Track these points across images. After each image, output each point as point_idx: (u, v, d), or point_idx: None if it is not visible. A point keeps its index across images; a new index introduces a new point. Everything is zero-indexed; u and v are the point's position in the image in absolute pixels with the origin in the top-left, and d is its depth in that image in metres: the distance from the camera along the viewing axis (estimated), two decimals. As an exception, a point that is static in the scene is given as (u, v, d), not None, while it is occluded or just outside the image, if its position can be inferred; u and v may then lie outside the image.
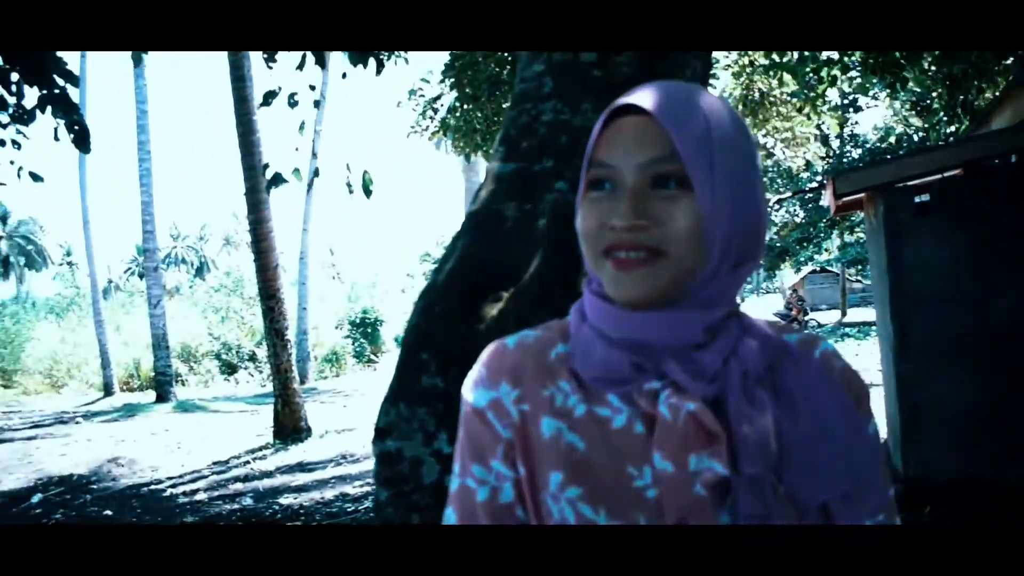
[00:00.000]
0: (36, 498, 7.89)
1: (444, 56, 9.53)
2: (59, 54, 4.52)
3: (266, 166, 5.17)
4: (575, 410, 0.89)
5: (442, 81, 9.41)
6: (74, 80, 4.63)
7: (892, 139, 23.15)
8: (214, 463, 9.61)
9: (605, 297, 0.87)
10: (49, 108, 4.68)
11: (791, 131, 9.61)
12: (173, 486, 8.36)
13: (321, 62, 5.46)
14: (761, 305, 50.70)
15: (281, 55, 5.68)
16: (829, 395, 0.87)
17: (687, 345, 0.85)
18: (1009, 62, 7.69)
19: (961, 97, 8.44)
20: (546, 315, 1.01)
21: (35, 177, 5.02)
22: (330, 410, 14.39)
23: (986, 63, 7.60)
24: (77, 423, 15.12)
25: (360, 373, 26.66)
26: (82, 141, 4.89)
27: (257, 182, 10.68)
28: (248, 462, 9.53)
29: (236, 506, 7.23)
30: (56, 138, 4.99)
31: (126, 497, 7.90)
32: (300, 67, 5.68)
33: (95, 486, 8.50)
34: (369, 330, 29.84)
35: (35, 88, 4.50)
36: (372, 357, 28.93)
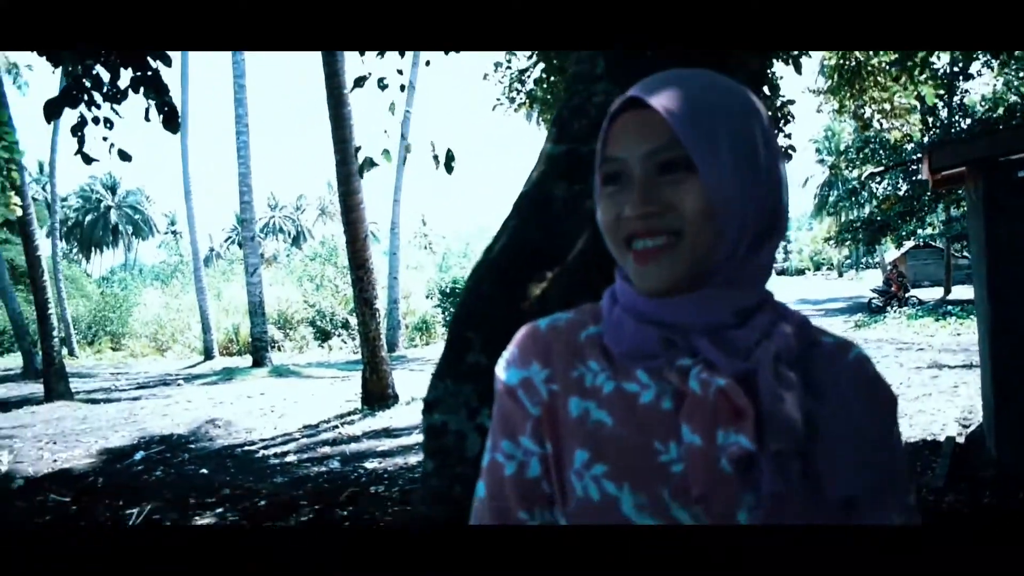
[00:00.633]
0: (139, 455, 8.35)
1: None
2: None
3: (358, 149, 5.30)
4: (603, 388, 0.91)
5: (529, 56, 9.38)
6: (167, 61, 4.83)
7: (1001, 110, 21.86)
8: (304, 427, 9.97)
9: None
10: (141, 89, 4.89)
11: (889, 101, 9.23)
12: (265, 447, 8.72)
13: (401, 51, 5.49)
14: (861, 281, 49.12)
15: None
16: (857, 395, 0.89)
17: (718, 325, 0.87)
18: None
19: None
20: (588, 297, 1.02)
21: (123, 156, 5.24)
22: (418, 378, 14.68)
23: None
24: (179, 385, 15.88)
25: (449, 342, 26.96)
26: (170, 121, 5.07)
27: (347, 155, 10.93)
28: (336, 427, 9.84)
29: (323, 468, 7.50)
30: (147, 118, 5.18)
31: (221, 457, 8.27)
32: (381, 54, 5.76)
33: (193, 445, 8.93)
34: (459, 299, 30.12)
35: (129, 69, 4.71)
36: (461, 326, 29.20)
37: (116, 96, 4.73)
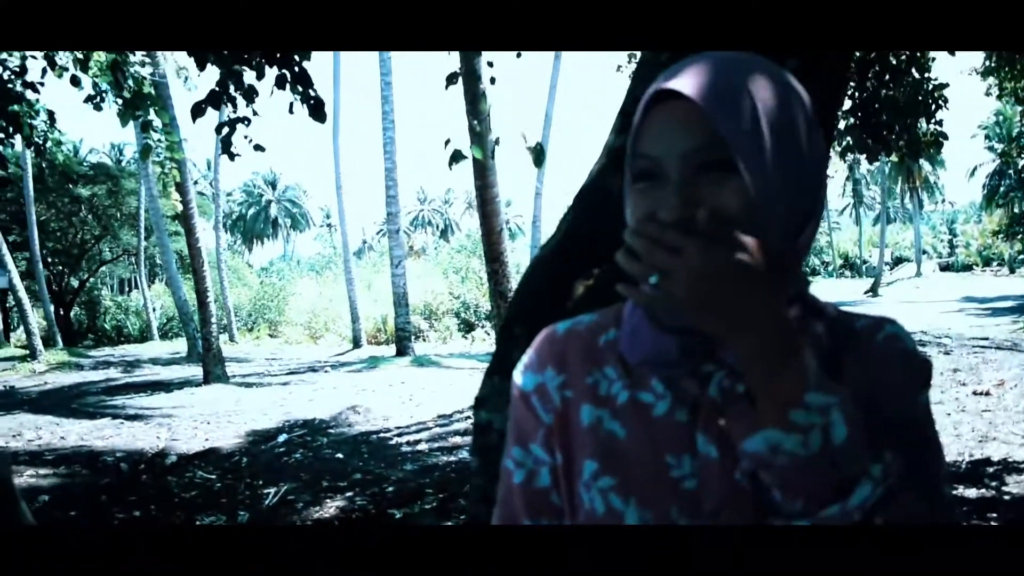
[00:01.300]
0: (282, 438, 8.78)
1: None
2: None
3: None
4: (618, 397, 0.88)
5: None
6: (308, 56, 5.03)
7: None
8: (439, 416, 10.20)
9: None
10: (287, 85, 5.10)
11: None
12: (399, 435, 8.97)
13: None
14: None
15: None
16: (888, 371, 0.82)
17: None
18: None
19: None
20: (630, 296, 0.97)
21: (258, 148, 5.51)
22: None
23: None
24: (326, 372, 16.62)
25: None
26: (317, 112, 5.27)
27: (482, 148, 11.07)
28: (469, 417, 10.00)
29: (453, 458, 7.63)
30: (291, 111, 5.40)
31: (357, 442, 8.57)
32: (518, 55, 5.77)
33: (332, 430, 9.30)
34: (598, 293, 30.13)
35: (274, 68, 4.93)
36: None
37: (251, 95, 4.98)
